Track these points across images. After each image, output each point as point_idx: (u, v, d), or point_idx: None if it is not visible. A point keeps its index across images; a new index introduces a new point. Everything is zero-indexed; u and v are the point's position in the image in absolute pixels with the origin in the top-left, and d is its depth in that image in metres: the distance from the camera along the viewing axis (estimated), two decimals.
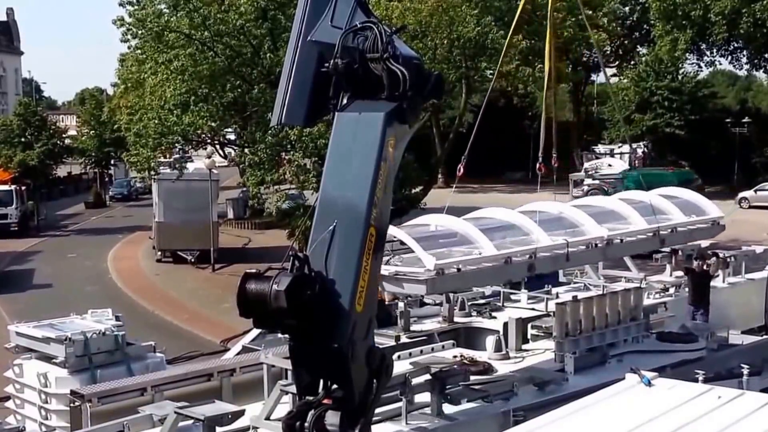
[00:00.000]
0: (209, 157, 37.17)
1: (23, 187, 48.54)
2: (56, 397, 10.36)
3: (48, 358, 10.77)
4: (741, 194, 47.56)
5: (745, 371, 9.20)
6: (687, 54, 55.43)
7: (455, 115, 42.48)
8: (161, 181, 34.55)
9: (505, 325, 11.53)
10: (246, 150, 29.96)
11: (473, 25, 29.51)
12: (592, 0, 54.19)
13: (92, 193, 63.26)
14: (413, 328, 11.94)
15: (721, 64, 61.15)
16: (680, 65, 56.93)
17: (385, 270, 9.05)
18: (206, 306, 28.07)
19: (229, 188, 52.38)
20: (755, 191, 47.91)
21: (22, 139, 55.22)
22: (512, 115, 61.08)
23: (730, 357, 10.94)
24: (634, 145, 49.48)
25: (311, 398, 6.56)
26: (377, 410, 7.19)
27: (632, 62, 65.73)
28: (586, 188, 40.89)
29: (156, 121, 27.35)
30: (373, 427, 7.08)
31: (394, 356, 9.15)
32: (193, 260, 35.02)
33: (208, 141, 36.14)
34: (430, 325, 12.24)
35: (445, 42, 29.55)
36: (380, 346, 7.43)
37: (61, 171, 65.78)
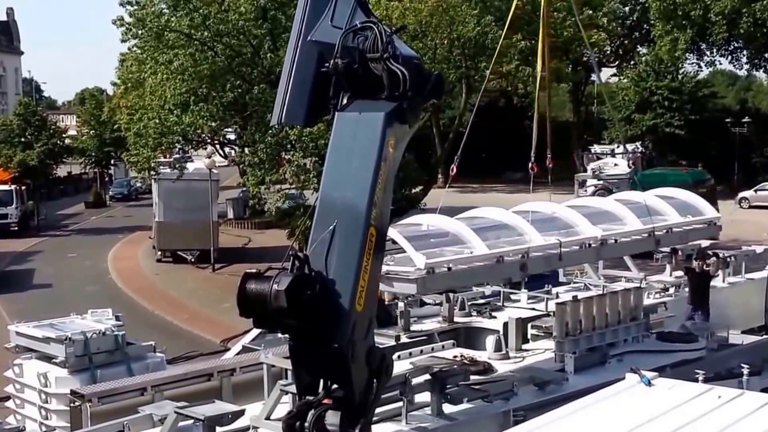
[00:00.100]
0: (209, 157, 37.15)
1: (23, 187, 48.55)
2: (56, 396, 10.36)
3: (48, 358, 10.77)
4: (741, 194, 47.59)
5: (745, 371, 9.20)
6: (687, 54, 55.48)
7: (455, 115, 42.53)
8: (161, 181, 34.55)
9: (505, 325, 11.52)
10: (246, 150, 29.97)
11: (473, 25, 29.52)
12: (592, 0, 54.18)
13: (92, 193, 63.23)
14: (413, 328, 11.92)
15: (721, 64, 61.32)
16: (680, 65, 56.93)
17: None
18: (206, 306, 28.07)
19: (229, 188, 52.39)
20: (755, 191, 47.95)
21: (22, 139, 55.28)
22: (512, 115, 61.03)
23: (730, 357, 10.94)
24: (631, 146, 49.47)
25: (311, 398, 6.56)
26: (377, 410, 7.19)
27: (632, 62, 65.71)
28: (592, 188, 40.77)
29: (156, 121, 27.36)
30: (373, 427, 7.07)
31: (394, 356, 9.14)
32: (193, 260, 35.02)
33: (208, 141, 36.17)
34: (430, 325, 12.22)
35: (445, 42, 29.57)
36: (380, 346, 7.43)
37: (61, 171, 65.80)
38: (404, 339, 11.30)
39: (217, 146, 39.69)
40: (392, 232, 10.25)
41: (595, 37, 48.02)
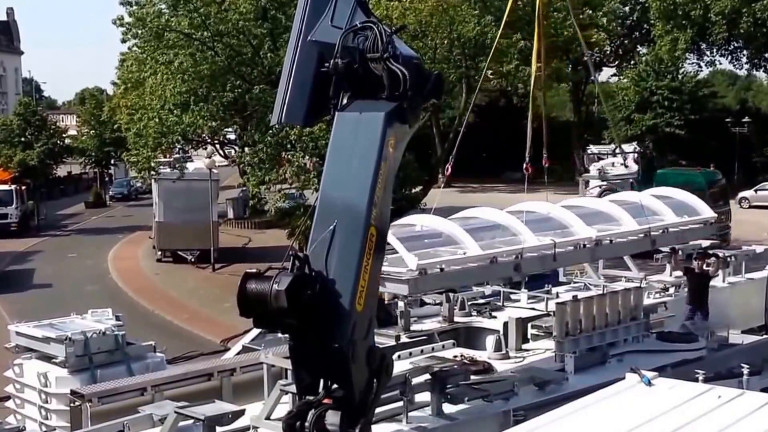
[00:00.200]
0: (209, 157, 37.16)
1: (23, 187, 48.55)
2: (56, 396, 10.35)
3: (48, 358, 10.76)
4: (741, 194, 47.59)
5: (745, 371, 9.20)
6: (687, 54, 55.48)
7: (455, 115, 42.48)
8: (161, 181, 34.56)
9: (505, 324, 11.52)
10: (246, 150, 29.98)
11: (473, 25, 29.50)
12: (592, 0, 54.15)
13: (92, 192, 63.27)
14: (413, 327, 11.92)
15: (721, 63, 61.35)
16: (680, 65, 56.88)
17: None
18: (206, 306, 28.08)
19: (229, 188, 52.38)
20: (755, 191, 47.95)
21: (22, 139, 55.27)
22: (512, 115, 60.95)
23: (730, 357, 10.95)
24: (628, 147, 49.35)
25: (311, 398, 6.57)
26: (377, 410, 7.19)
27: (632, 62, 65.68)
28: (597, 189, 40.64)
29: (156, 121, 27.38)
30: (373, 427, 7.07)
31: (394, 356, 9.13)
32: (193, 260, 35.03)
33: (208, 141, 36.19)
34: (430, 324, 12.22)
35: (445, 42, 29.55)
36: (380, 346, 7.44)
37: (61, 171, 65.78)
38: (404, 339, 11.29)
39: (217, 146, 39.72)
40: None
41: (595, 37, 47.94)
